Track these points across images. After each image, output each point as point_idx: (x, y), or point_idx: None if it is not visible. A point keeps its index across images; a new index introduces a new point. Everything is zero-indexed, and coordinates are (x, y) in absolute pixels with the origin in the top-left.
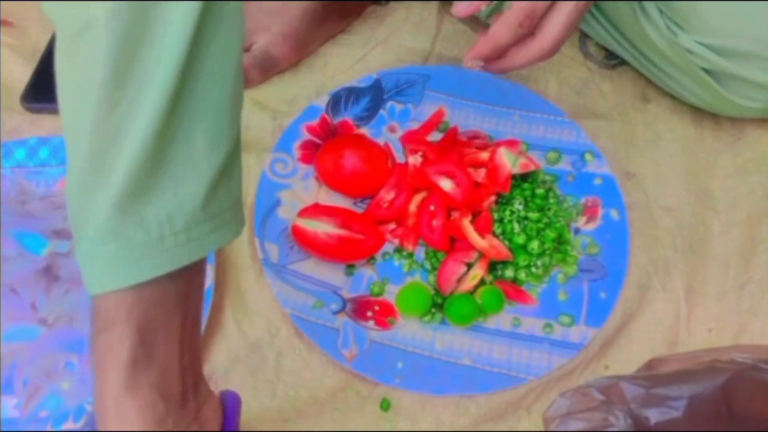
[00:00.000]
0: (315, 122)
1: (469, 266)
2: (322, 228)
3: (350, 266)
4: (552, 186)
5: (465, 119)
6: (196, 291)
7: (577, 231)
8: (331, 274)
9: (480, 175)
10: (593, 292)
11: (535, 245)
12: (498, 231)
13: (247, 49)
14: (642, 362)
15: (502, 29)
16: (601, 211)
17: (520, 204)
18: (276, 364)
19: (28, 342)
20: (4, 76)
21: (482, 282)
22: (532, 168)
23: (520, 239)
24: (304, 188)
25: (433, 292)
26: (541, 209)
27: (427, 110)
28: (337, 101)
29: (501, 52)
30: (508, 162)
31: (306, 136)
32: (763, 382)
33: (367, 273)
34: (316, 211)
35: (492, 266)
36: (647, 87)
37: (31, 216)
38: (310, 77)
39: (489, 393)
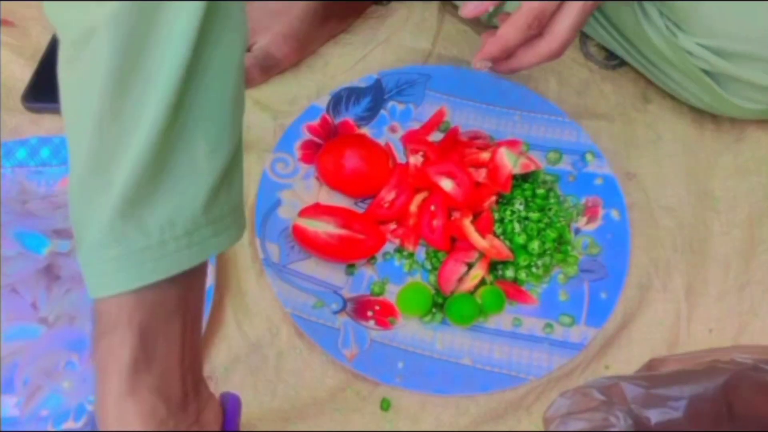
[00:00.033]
0: (316, 122)
1: (470, 266)
2: (323, 228)
3: (351, 266)
4: (553, 186)
5: (466, 119)
6: (196, 294)
7: (577, 231)
8: (332, 274)
9: (481, 175)
10: (594, 292)
11: (535, 245)
12: (498, 231)
13: (248, 49)
14: (642, 362)
15: (510, 30)
16: (601, 212)
17: (520, 204)
18: (276, 364)
19: (29, 341)
20: (5, 76)
21: (483, 282)
22: (532, 168)
23: (521, 239)
24: (305, 188)
25: (433, 292)
26: (541, 209)
27: (427, 110)
28: (338, 101)
29: (509, 53)
30: (509, 162)
31: (307, 136)
32: (764, 382)
33: (367, 273)
34: (316, 211)
35: (492, 266)
36: (648, 87)
37: (32, 215)
38: (311, 77)
39: (489, 393)
